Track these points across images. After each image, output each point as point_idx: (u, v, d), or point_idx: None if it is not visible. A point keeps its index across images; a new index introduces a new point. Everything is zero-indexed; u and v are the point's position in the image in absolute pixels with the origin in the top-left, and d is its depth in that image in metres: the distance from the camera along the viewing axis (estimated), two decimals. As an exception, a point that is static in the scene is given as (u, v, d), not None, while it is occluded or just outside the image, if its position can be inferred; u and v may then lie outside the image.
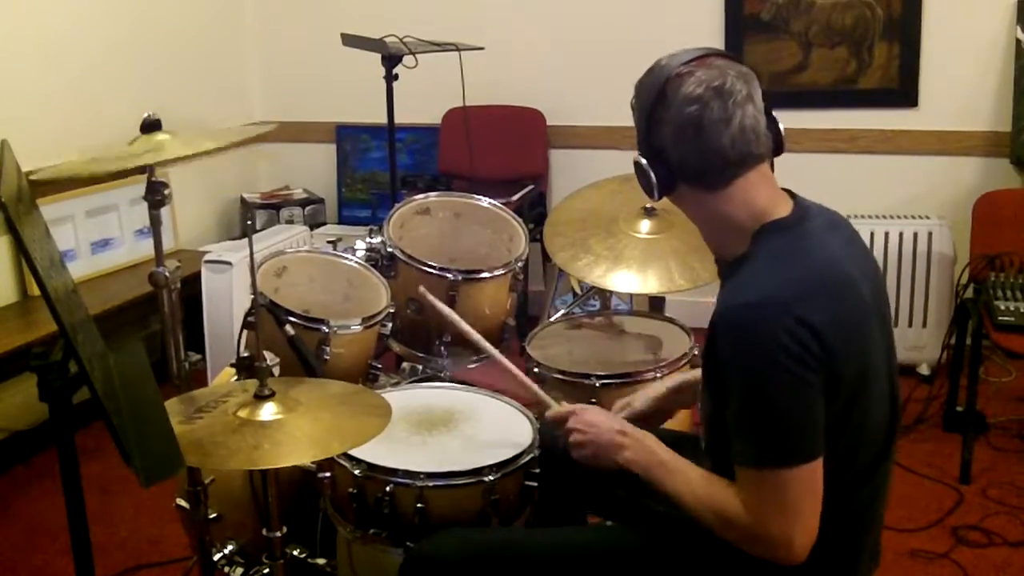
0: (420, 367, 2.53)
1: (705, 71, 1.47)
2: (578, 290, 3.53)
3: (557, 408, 1.76)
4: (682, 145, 1.48)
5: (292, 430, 1.55)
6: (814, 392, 1.39)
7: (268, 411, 1.57)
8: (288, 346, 2.09)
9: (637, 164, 1.54)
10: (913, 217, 3.78)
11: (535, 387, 1.90)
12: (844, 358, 1.40)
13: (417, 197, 2.65)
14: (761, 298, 1.40)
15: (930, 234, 3.71)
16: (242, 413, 1.57)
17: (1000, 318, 2.97)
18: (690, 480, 1.53)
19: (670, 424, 2.22)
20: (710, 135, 1.45)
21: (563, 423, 1.71)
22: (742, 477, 1.44)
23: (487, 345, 1.98)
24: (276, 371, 1.64)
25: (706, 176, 1.49)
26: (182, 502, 2.12)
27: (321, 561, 2.06)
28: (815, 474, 1.41)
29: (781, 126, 1.53)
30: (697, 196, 1.52)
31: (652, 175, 1.51)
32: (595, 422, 1.67)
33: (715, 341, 1.45)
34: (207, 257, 3.64)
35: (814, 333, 1.37)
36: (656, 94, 1.48)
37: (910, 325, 3.75)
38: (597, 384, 2.22)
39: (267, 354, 1.64)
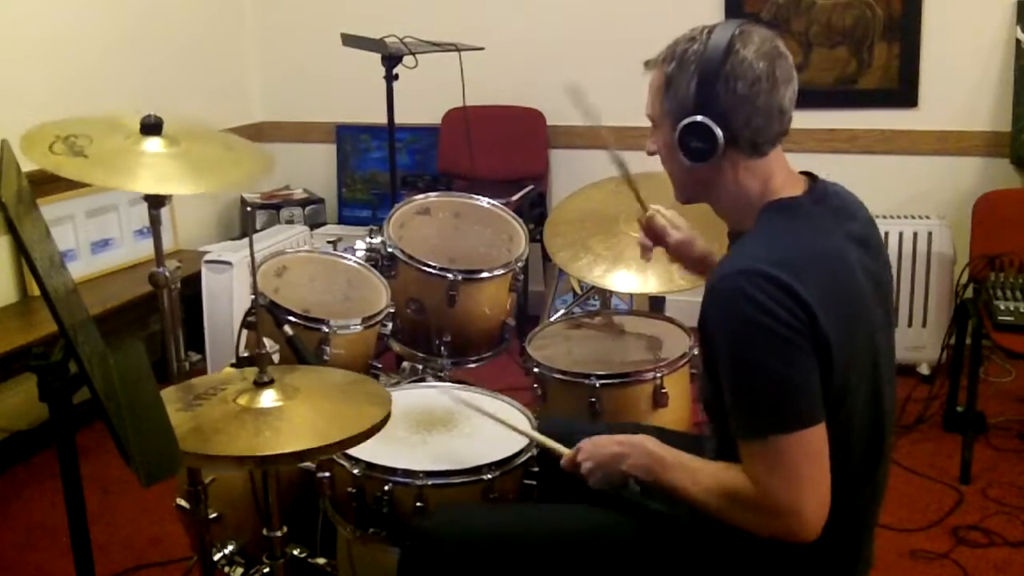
0: (420, 367, 2.54)
1: (760, 31, 1.48)
2: (578, 290, 3.53)
3: (567, 453, 1.75)
4: (754, 99, 1.45)
5: (292, 417, 1.55)
6: (803, 355, 1.37)
7: (268, 398, 1.57)
8: (287, 346, 2.09)
9: (692, 124, 1.47)
10: (913, 217, 3.78)
11: (547, 440, 1.85)
12: (834, 334, 1.39)
13: (417, 197, 2.65)
14: (744, 266, 1.41)
15: (930, 234, 3.70)
16: (242, 400, 1.56)
17: (1000, 318, 2.97)
18: (693, 471, 1.53)
19: (669, 425, 2.22)
20: (779, 91, 1.46)
21: (576, 463, 1.70)
22: (744, 451, 1.44)
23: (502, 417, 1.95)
24: (276, 358, 1.64)
25: (762, 134, 1.48)
26: (182, 502, 2.12)
27: (321, 561, 2.06)
28: (817, 439, 1.39)
29: None
30: (736, 164, 1.51)
31: (718, 130, 1.46)
32: (596, 444, 1.68)
33: (704, 313, 1.45)
34: (207, 257, 3.65)
35: (797, 301, 1.36)
36: (724, 50, 1.45)
37: (910, 325, 3.74)
38: (597, 384, 2.21)
39: (266, 341, 1.63)
